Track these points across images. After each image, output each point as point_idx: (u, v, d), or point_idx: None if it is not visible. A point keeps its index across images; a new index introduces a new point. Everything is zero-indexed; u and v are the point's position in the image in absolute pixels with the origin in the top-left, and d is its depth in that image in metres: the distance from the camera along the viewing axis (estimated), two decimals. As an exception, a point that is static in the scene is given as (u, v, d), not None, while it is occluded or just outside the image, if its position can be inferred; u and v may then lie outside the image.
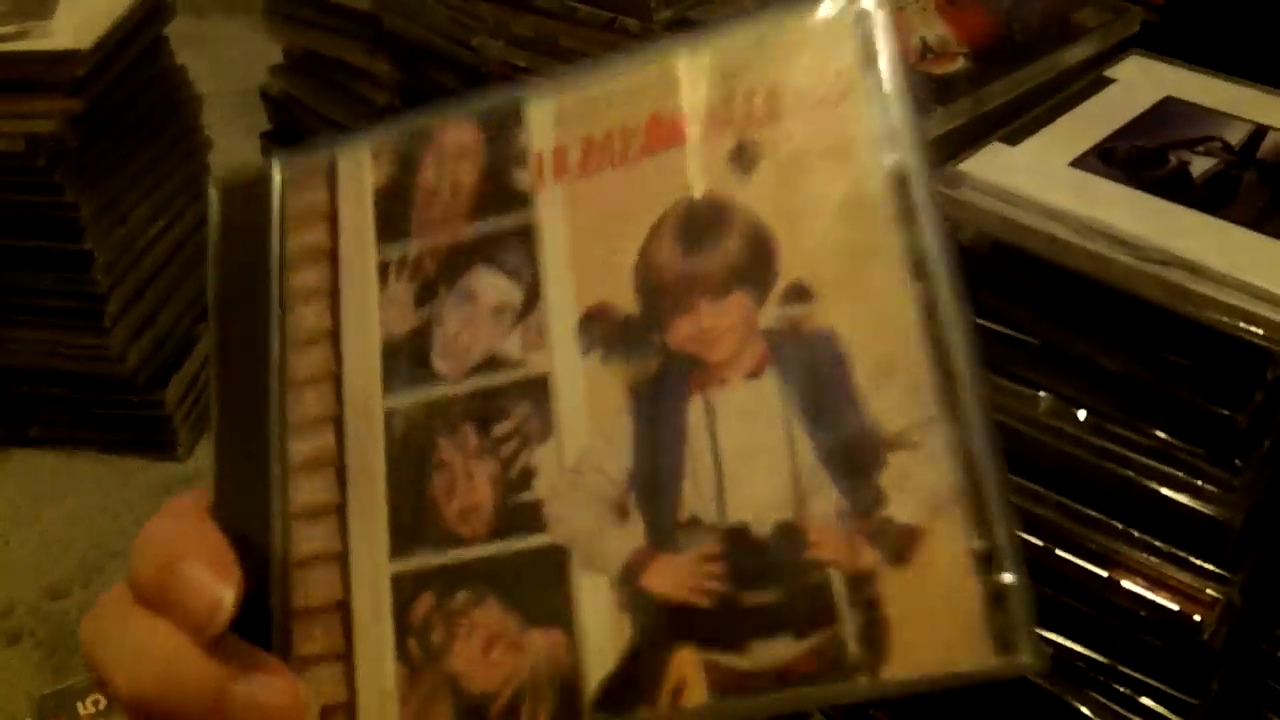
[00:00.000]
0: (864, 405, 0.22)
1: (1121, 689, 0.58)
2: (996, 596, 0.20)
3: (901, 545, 0.21)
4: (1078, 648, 0.58)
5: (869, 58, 0.23)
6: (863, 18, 0.24)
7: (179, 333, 1.17)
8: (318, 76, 1.18)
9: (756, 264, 0.23)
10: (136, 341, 1.10)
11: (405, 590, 0.24)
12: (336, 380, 0.26)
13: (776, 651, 0.21)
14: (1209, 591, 0.54)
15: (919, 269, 0.22)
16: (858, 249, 0.23)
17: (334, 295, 0.27)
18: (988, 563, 0.20)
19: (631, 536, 0.23)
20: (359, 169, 0.28)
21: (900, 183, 0.23)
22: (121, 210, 1.08)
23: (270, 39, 1.22)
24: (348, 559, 0.25)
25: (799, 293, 0.23)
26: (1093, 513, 0.57)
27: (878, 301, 0.22)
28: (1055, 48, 0.66)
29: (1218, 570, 0.54)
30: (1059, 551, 0.57)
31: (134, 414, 1.13)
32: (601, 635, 0.23)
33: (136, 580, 0.24)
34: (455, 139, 0.27)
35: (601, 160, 0.25)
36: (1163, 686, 0.57)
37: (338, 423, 0.26)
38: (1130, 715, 0.57)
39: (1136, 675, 0.57)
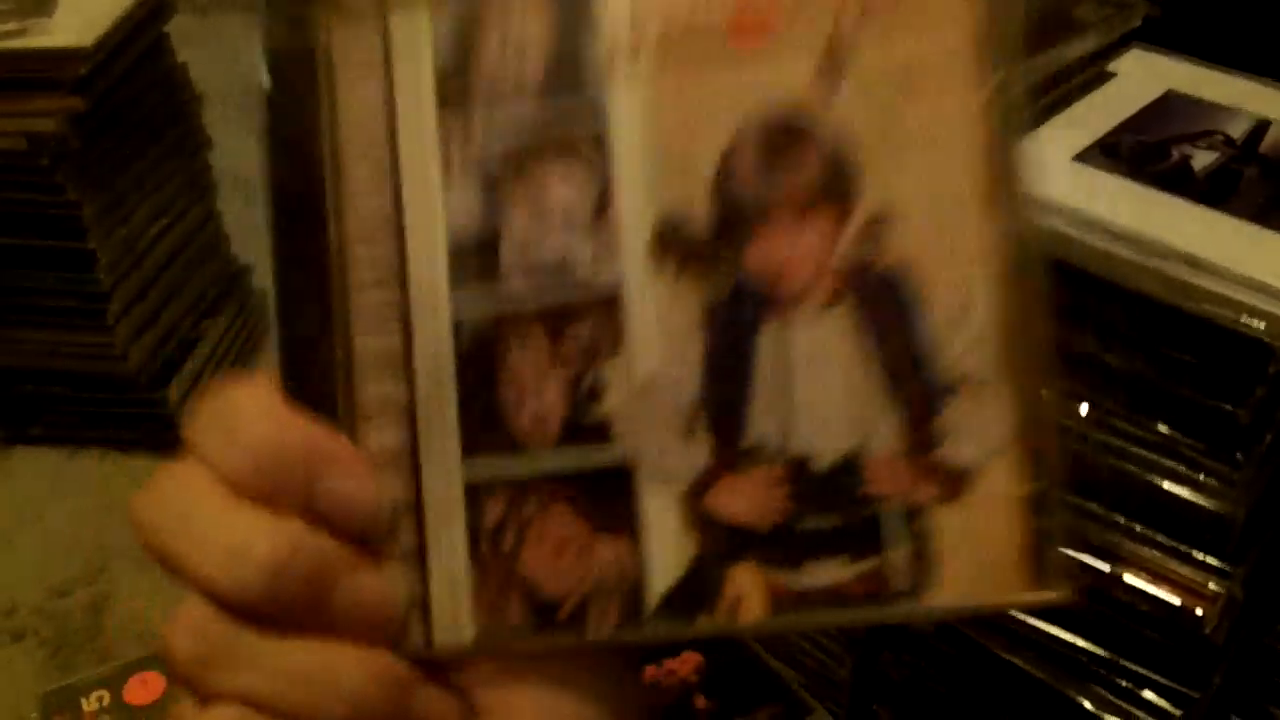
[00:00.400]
0: (934, 345, 0.22)
1: (1123, 683, 0.58)
2: (1039, 538, 0.21)
3: (955, 483, 0.22)
4: (1079, 642, 0.58)
5: None
6: None
7: (182, 331, 1.17)
8: (319, 75, 1.18)
9: (837, 189, 0.23)
10: (139, 340, 1.10)
11: (477, 493, 0.24)
12: (400, 273, 0.25)
13: (830, 573, 0.22)
14: (1211, 586, 0.54)
15: (1003, 211, 0.22)
16: (945, 180, 0.22)
17: (394, 177, 0.25)
18: (1035, 506, 0.21)
19: (698, 456, 0.23)
20: (415, 31, 0.25)
21: (995, 116, 0.22)
22: (124, 209, 1.08)
23: (272, 37, 1.22)
24: (418, 459, 0.25)
25: (879, 223, 0.22)
26: (1094, 507, 0.57)
27: (959, 238, 0.22)
28: (1056, 42, 0.65)
29: (1219, 564, 0.54)
30: (1061, 546, 0.57)
31: (137, 412, 1.13)
32: (666, 547, 0.23)
33: (235, 473, 0.23)
34: (523, 5, 0.25)
35: (681, 53, 0.24)
36: (1164, 680, 0.57)
37: (403, 318, 0.25)
38: (1131, 709, 0.57)
39: (1138, 669, 0.57)
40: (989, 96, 0.22)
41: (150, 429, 1.13)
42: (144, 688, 0.70)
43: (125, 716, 0.69)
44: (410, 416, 0.25)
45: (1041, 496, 0.21)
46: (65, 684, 0.72)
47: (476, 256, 0.25)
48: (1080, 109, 0.62)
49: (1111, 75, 0.65)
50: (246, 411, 0.24)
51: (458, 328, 0.25)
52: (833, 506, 0.23)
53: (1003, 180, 0.22)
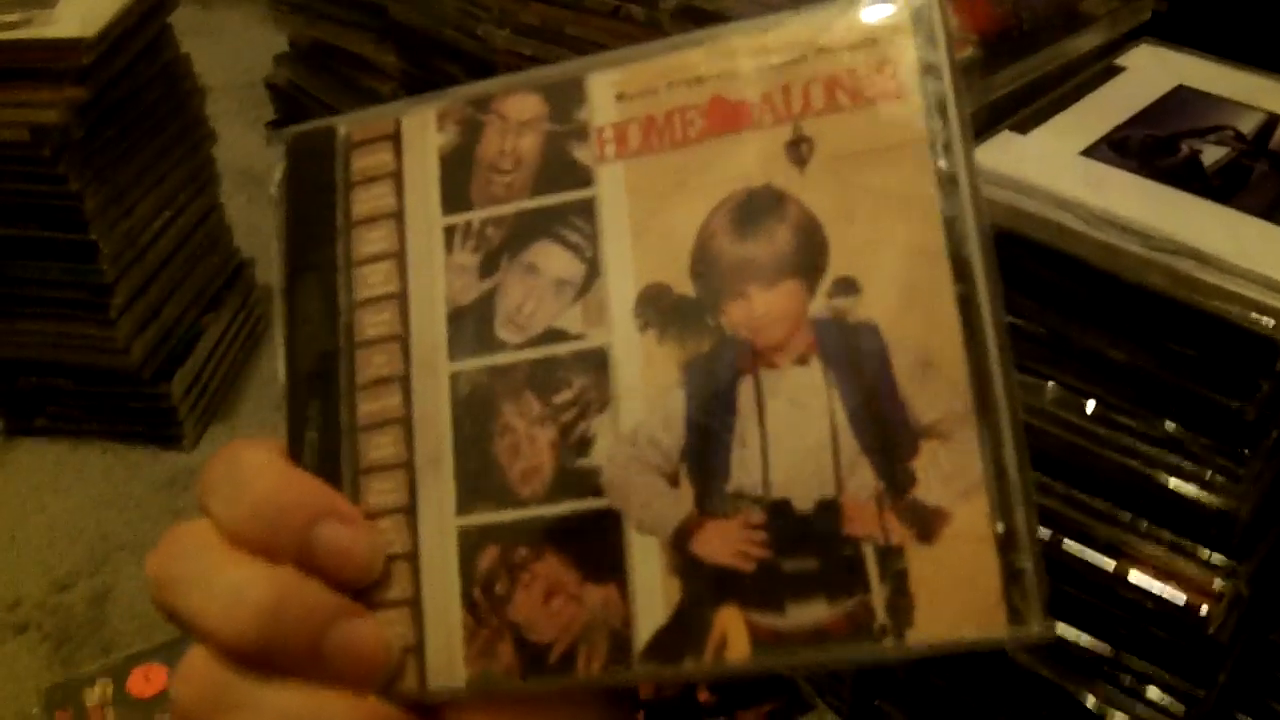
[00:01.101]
0: (902, 396, 0.23)
1: (1128, 680, 0.58)
2: (1012, 574, 0.22)
3: (929, 524, 0.23)
4: (1084, 639, 0.58)
5: (925, 56, 0.24)
6: (921, 15, 0.24)
7: (184, 324, 1.17)
8: (323, 67, 1.18)
9: (807, 256, 0.25)
10: (142, 333, 1.10)
11: (471, 543, 0.26)
12: (403, 341, 0.27)
13: (812, 614, 0.23)
14: (1216, 583, 0.54)
15: (961, 270, 0.23)
16: (904, 247, 0.24)
17: (400, 257, 0.28)
18: (1007, 544, 0.22)
19: (682, 504, 0.24)
20: (424, 132, 0.28)
21: (949, 185, 0.24)
22: (127, 201, 1.08)
23: (276, 29, 1.22)
24: (416, 512, 0.26)
25: (846, 286, 0.24)
26: (1100, 503, 0.57)
27: (921, 299, 0.23)
28: (1064, 36, 0.65)
29: (1225, 561, 0.54)
30: (1066, 542, 0.57)
31: (140, 405, 1.13)
32: (652, 592, 0.24)
33: (236, 526, 0.25)
34: (518, 109, 0.28)
35: (662, 140, 0.26)
36: (1169, 677, 0.56)
37: (405, 382, 0.27)
38: (1137, 706, 0.57)
39: (1143, 666, 0.57)
40: (939, 179, 0.24)
41: (153, 422, 1.13)
42: (146, 681, 0.70)
43: (128, 709, 0.69)
44: (409, 471, 0.26)
45: (1013, 535, 0.22)
46: (68, 677, 0.72)
47: (473, 325, 0.27)
48: (1089, 104, 0.62)
49: (1120, 70, 0.65)
50: (249, 469, 0.26)
51: (454, 389, 0.27)
52: (812, 549, 0.23)
53: (960, 248, 0.23)
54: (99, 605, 0.99)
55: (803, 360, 0.24)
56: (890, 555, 0.23)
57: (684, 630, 0.24)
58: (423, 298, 0.27)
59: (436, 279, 0.27)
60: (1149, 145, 0.58)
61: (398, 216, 0.28)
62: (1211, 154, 0.57)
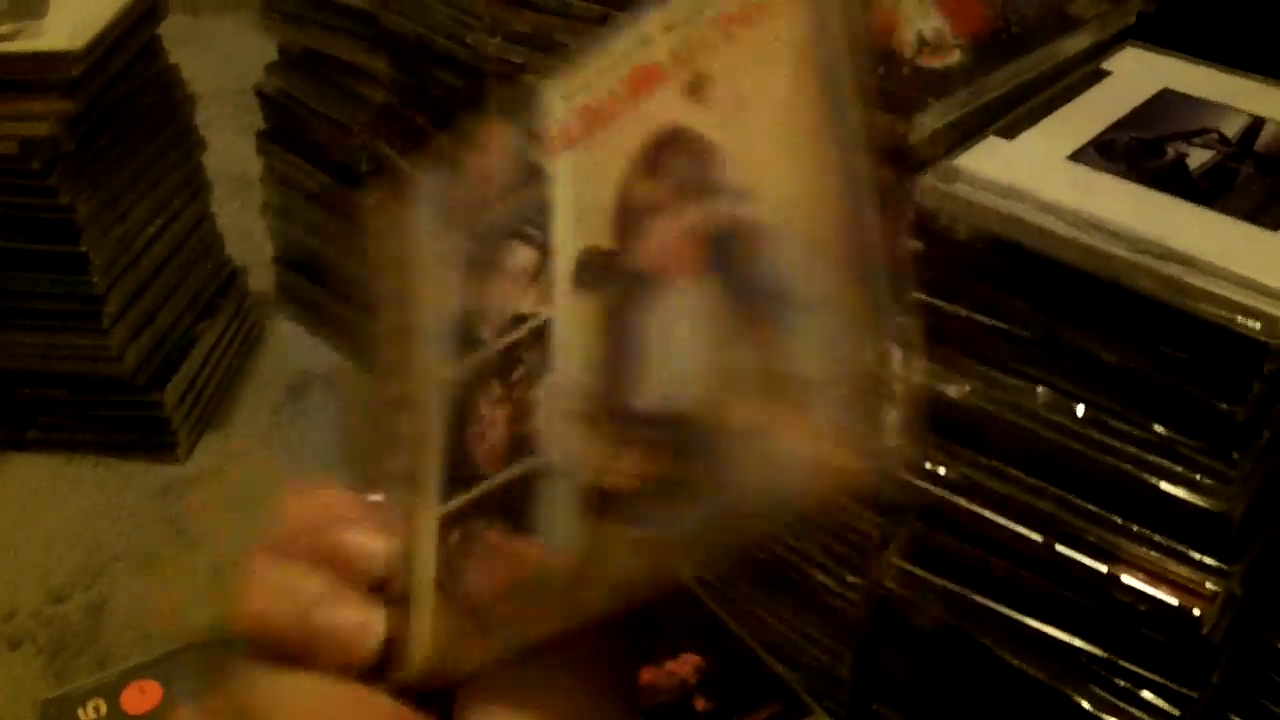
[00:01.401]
0: (788, 283, 0.24)
1: (1121, 683, 0.58)
2: (883, 413, 0.23)
3: (802, 398, 0.23)
4: (1077, 642, 0.58)
5: None
6: None
7: (178, 333, 1.17)
8: (314, 74, 1.18)
9: (704, 179, 0.25)
10: (135, 342, 1.10)
11: (445, 528, 0.28)
12: (411, 365, 0.30)
13: (701, 510, 0.24)
14: (1208, 585, 0.54)
15: (844, 157, 0.24)
16: (790, 146, 0.24)
17: (408, 292, 0.31)
18: (876, 390, 0.23)
19: (599, 442, 0.25)
20: (432, 183, 0.32)
21: (831, 79, 0.24)
22: (118, 211, 1.08)
23: (266, 36, 1.22)
24: (413, 514, 0.28)
25: (739, 196, 0.25)
26: (1091, 507, 0.57)
27: (806, 191, 0.24)
28: (1051, 39, 0.65)
29: (1217, 563, 0.54)
30: (1057, 546, 0.57)
31: (133, 415, 1.13)
32: (569, 535, 0.25)
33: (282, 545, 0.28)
34: (487, 133, 0.31)
35: (596, 123, 0.28)
36: (1163, 680, 0.57)
37: (411, 400, 0.30)
38: (1130, 709, 0.57)
39: (1136, 669, 0.57)
40: (820, 75, 0.24)
41: (146, 431, 1.13)
42: (142, 695, 0.70)
43: (123, 723, 0.69)
44: (410, 482, 0.28)
45: (883, 382, 0.23)
46: (62, 692, 0.72)
47: (461, 335, 0.29)
48: (1075, 108, 0.62)
49: (1106, 73, 0.65)
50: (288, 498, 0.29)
51: (444, 393, 0.29)
52: (701, 452, 0.24)
53: (843, 138, 0.24)
54: (95, 616, 0.98)
55: (699, 274, 0.25)
56: (767, 433, 0.23)
57: (597, 563, 0.25)
58: (426, 320, 0.30)
59: (432, 304, 0.30)
60: (1135, 148, 0.58)
61: (405, 257, 0.31)
62: (1197, 157, 0.57)
